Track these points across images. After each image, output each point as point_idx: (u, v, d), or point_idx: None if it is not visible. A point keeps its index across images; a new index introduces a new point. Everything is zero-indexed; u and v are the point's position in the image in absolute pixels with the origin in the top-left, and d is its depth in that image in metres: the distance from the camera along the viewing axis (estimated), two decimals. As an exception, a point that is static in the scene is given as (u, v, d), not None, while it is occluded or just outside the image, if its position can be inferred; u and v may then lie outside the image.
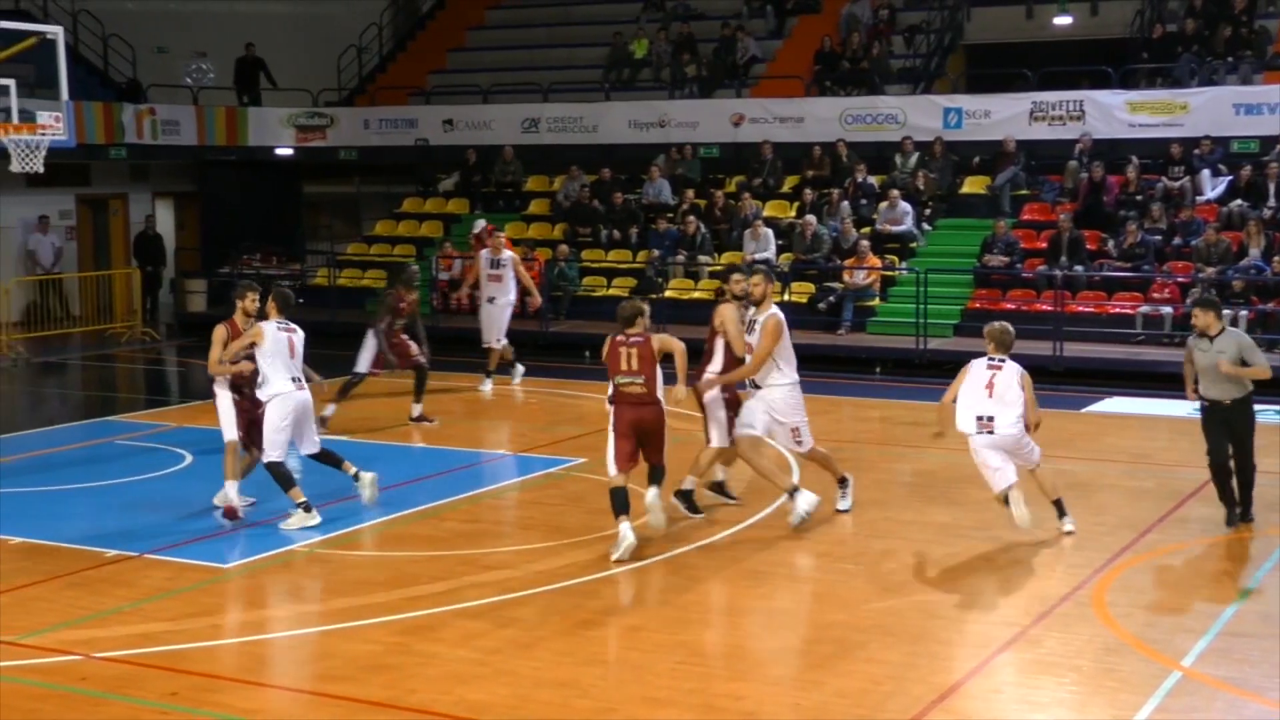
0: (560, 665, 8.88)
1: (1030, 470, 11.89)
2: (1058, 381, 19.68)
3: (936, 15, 27.70)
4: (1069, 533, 11.79)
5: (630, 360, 11.52)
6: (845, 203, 24.26)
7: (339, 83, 31.69)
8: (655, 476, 11.57)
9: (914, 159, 24.83)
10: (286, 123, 29.84)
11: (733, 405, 12.37)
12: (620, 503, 11.22)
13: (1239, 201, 22.42)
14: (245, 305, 12.59)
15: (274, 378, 12.12)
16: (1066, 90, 24.52)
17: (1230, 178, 22.87)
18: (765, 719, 8.14)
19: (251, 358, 12.29)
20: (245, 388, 12.42)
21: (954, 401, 11.84)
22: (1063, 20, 26.66)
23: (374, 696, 8.36)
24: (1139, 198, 22.99)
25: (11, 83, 15.74)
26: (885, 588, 10.49)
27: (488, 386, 19.13)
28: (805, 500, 12.05)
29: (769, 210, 25.32)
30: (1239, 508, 11.88)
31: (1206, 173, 22.99)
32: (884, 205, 24.09)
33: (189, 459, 14.73)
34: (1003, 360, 11.80)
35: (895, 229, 23.73)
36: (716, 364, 12.28)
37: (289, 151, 30.10)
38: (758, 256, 23.82)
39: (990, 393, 11.65)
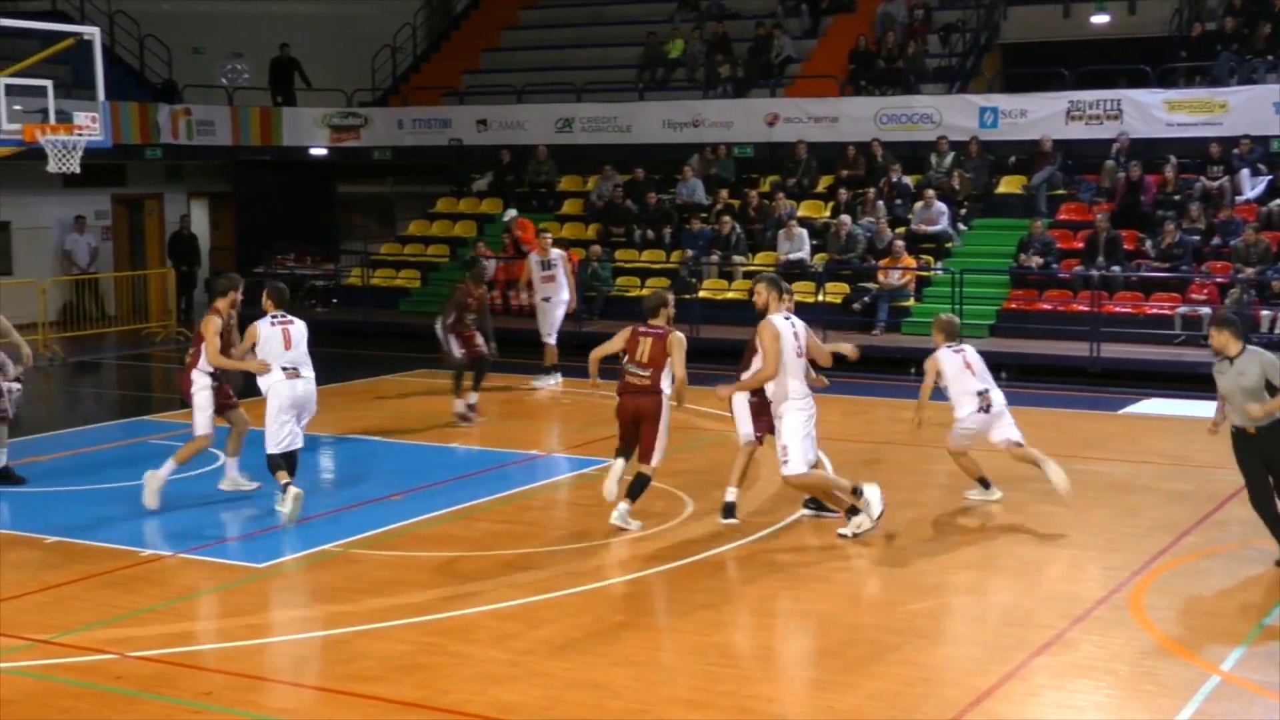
0: (593, 666, 8.88)
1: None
2: (1095, 383, 19.58)
3: (972, 14, 27.60)
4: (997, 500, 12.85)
5: (644, 351, 12.03)
6: (880, 202, 24.20)
7: (373, 83, 31.79)
8: (635, 489, 11.94)
9: (949, 159, 24.74)
10: (321, 123, 29.96)
11: (758, 412, 12.22)
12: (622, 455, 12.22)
13: (1279, 201, 22.26)
14: (236, 295, 13.05)
15: (272, 370, 12.33)
16: (1104, 89, 24.38)
17: (1270, 177, 22.72)
18: (798, 721, 8.12)
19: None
20: (223, 376, 12.78)
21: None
22: (1100, 19, 26.53)
23: (406, 697, 8.38)
24: (1177, 197, 22.84)
25: (49, 84, 15.85)
26: (919, 589, 10.45)
27: (552, 381, 19.28)
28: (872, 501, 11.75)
29: (803, 210, 25.28)
30: None
31: (1246, 172, 22.84)
32: (919, 205, 24.01)
33: (222, 458, 14.78)
34: (961, 346, 12.89)
35: (930, 229, 23.65)
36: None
37: (323, 151, 30.22)
38: (792, 257, 23.81)
39: (973, 371, 12.68)
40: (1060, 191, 24.25)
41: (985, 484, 13.05)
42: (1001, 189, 24.76)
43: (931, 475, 14.46)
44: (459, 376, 16.94)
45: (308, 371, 12.58)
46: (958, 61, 27.20)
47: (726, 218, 24.62)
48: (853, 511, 11.65)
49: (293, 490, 12.13)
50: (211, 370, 12.88)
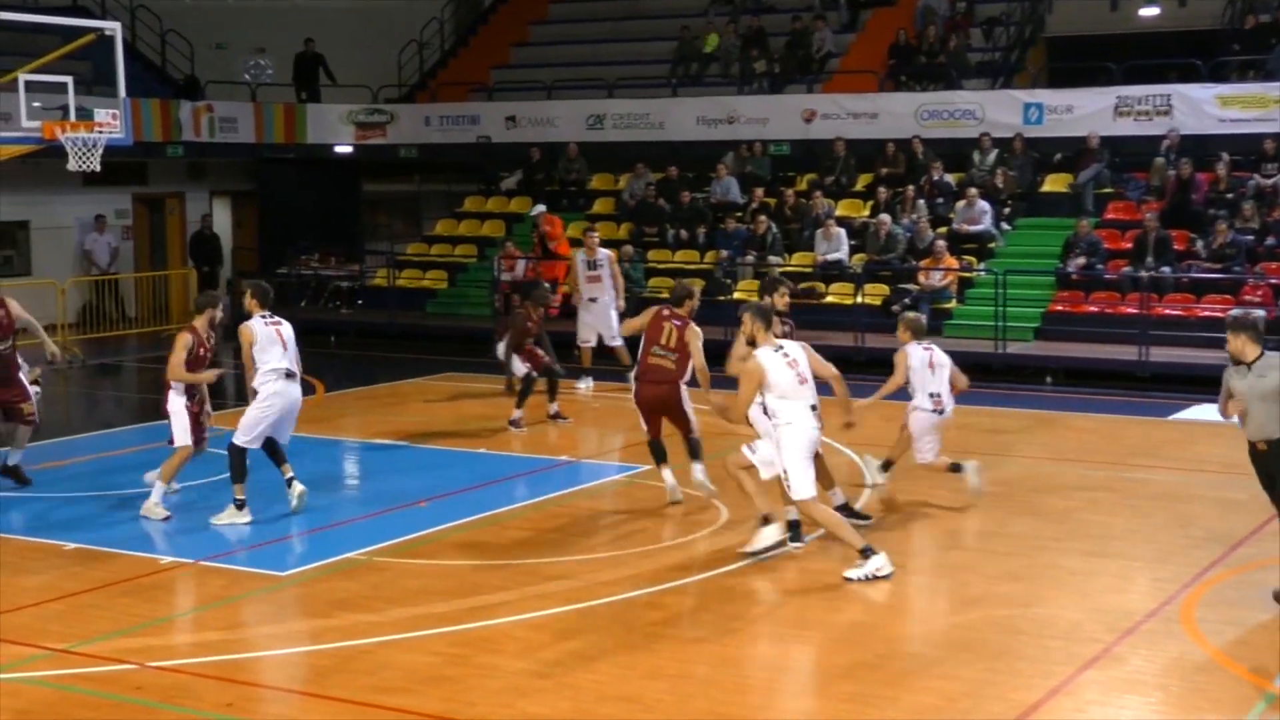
0: (624, 679, 8.86)
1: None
2: (1144, 388, 19.47)
3: (1016, 6, 27.50)
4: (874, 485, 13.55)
5: (670, 336, 12.57)
6: (921, 201, 24.12)
7: (399, 79, 31.88)
8: (693, 451, 12.82)
9: (993, 156, 24.65)
10: (346, 120, 30.05)
11: None
12: (658, 452, 12.95)
13: (1335, 200, 22.09)
14: (215, 313, 13.15)
15: (266, 370, 12.41)
16: (1153, 84, 24.23)
17: (1326, 175, 22.54)
18: (837, 737, 8.09)
19: (217, 364, 12.99)
20: (195, 392, 12.86)
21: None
22: (1149, 11, 26.39)
23: (432, 709, 8.37)
24: (1229, 196, 22.69)
25: (69, 80, 15.93)
26: (962, 601, 10.39)
27: (584, 385, 19.29)
28: (767, 535, 11.41)
29: (841, 209, 25.21)
30: None
31: (1301, 169, 22.68)
32: (961, 204, 23.93)
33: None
34: (929, 346, 13.28)
35: (973, 229, 23.56)
36: None
37: (348, 149, 30.30)
38: (829, 257, 23.77)
39: (933, 372, 13.13)
40: (1107, 190, 24.11)
41: (886, 467, 13.76)
42: (1046, 187, 24.64)
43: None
44: (526, 389, 16.96)
45: (298, 376, 12.70)
46: (1001, 56, 27.08)
47: (762, 217, 24.58)
48: (866, 554, 10.98)
49: (246, 514, 12.41)
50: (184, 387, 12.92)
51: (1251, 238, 21.92)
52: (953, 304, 22.88)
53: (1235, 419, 10.32)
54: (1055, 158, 24.84)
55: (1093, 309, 21.90)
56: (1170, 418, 17.76)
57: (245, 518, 12.39)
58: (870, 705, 8.47)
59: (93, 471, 14.86)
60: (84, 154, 15.70)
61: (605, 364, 20.03)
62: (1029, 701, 8.45)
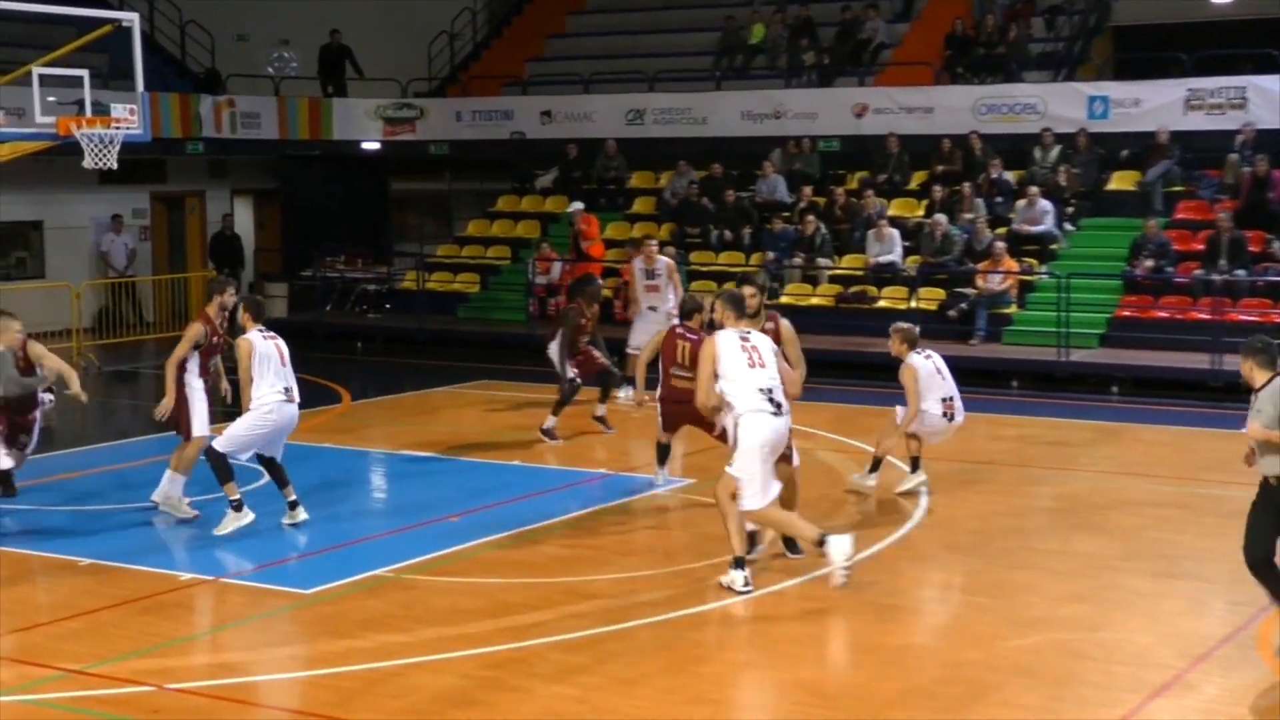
0: (666, 704, 8.85)
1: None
2: (1217, 398, 19.32)
3: (1081, -7, 27.42)
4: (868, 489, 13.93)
5: (684, 354, 13.02)
6: (979, 200, 24.04)
7: (429, 72, 31.99)
8: None
9: (1055, 152, 24.54)
10: (373, 115, 30.17)
11: None
12: (662, 453, 14.09)
13: None
14: (223, 299, 13.23)
15: (264, 386, 12.45)
16: (1227, 76, 24.09)
17: None
18: (891, 767, 8.05)
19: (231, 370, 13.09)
20: (211, 366, 13.21)
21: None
22: (1222, -2, 26.24)
23: (464, 735, 8.39)
24: (1308, 194, 22.54)
25: (84, 73, 16.03)
26: (1024, 624, 10.34)
27: (624, 394, 19.25)
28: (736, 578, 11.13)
29: (894, 209, 25.16)
30: None
31: (1385, 167, 22.51)
32: (1021, 203, 23.84)
33: (266, 476, 14.88)
34: (929, 352, 13.86)
35: (1034, 229, 23.47)
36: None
37: (376, 146, 30.42)
38: (882, 259, 23.72)
39: (941, 377, 13.72)
40: (1178, 188, 23.97)
41: (874, 468, 14.07)
42: (1112, 185, 24.52)
43: (1036, 498, 14.34)
44: (566, 397, 16.95)
45: (297, 395, 12.76)
46: (1064, 46, 26.97)
47: (811, 217, 24.54)
48: (819, 542, 10.98)
49: (302, 513, 12.74)
50: (200, 374, 13.15)
51: (1331, 239, 21.77)
52: (1013, 309, 22.79)
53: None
54: (1122, 154, 24.71)
55: (1162, 314, 21.76)
56: (1245, 430, 17.61)
57: (248, 517, 12.51)
58: (926, 734, 8.44)
59: (109, 484, 14.94)
60: (100, 151, 15.80)
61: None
62: (1095, 731, 8.41)
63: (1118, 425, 18.14)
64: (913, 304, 22.70)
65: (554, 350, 17.15)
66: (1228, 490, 14.05)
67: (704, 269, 25.28)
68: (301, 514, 12.83)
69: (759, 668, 9.53)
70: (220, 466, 12.56)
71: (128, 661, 9.63)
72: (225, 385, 13.61)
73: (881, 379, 20.39)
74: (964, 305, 22.62)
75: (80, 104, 16.04)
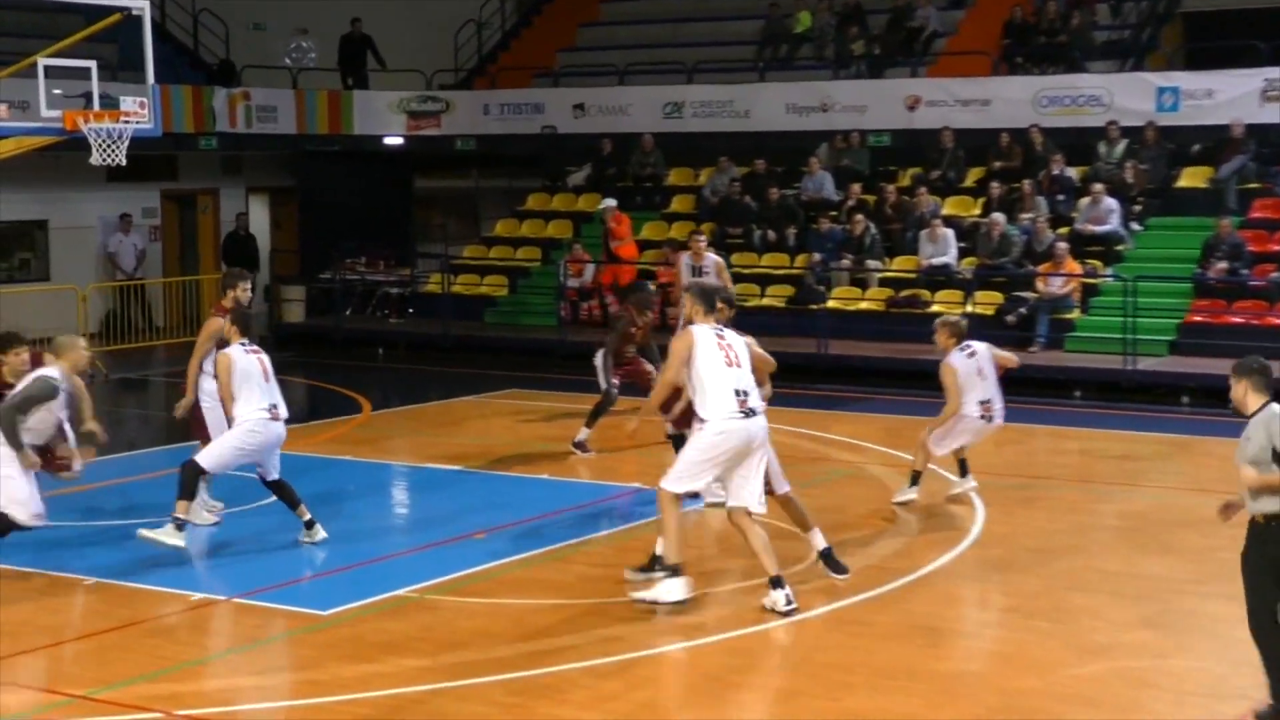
0: (704, 734, 8.83)
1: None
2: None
3: (1148, -22, 27.32)
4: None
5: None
6: (1039, 198, 23.97)
7: (455, 63, 32.07)
8: None
9: (1121, 147, 24.45)
10: (396, 108, 30.26)
11: None
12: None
13: None
14: (237, 293, 13.44)
15: (246, 403, 12.40)
16: (1306, 64, 23.99)
17: None
18: (944, 802, 8.02)
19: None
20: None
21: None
22: (1301, -18, 26.08)
23: (490, 766, 8.39)
24: (1393, 191, 22.41)
25: (92, 65, 16.13)
26: (1086, 650, 10.28)
27: None
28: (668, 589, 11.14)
29: (949, 208, 25.10)
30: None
31: None
32: (1085, 201, 23.75)
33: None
34: (973, 348, 14.03)
35: (1098, 229, 23.38)
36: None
37: (399, 141, 30.51)
38: (935, 261, 23.66)
39: (981, 378, 13.90)
40: (1253, 185, 23.86)
41: (914, 481, 14.22)
42: (1183, 182, 24.41)
43: (1100, 515, 14.28)
44: (600, 407, 16.94)
45: (283, 411, 12.74)
46: (1131, 34, 26.87)
47: (859, 216, 24.51)
48: (673, 573, 11.06)
49: (320, 532, 12.69)
50: (215, 374, 13.13)
51: None
52: (1075, 314, 22.69)
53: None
54: (1193, 149, 24.61)
55: (1236, 320, 21.65)
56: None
57: (180, 541, 12.36)
58: (982, 767, 8.41)
59: (116, 498, 15.00)
60: (108, 146, 15.89)
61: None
62: (1163, 765, 8.36)
63: (1188, 438, 18.03)
64: (968, 309, 22.59)
65: (599, 358, 17.11)
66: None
67: (746, 271, 25.24)
68: (320, 532, 12.84)
69: (802, 696, 9.51)
70: (188, 483, 12.52)
71: (135, 686, 9.66)
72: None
73: (935, 388, 20.35)
74: (1023, 310, 22.54)
75: (87, 97, 16.13)
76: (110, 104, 16.14)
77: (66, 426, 11.77)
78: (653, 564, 11.48)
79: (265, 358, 12.77)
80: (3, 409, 11.28)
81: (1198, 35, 27.18)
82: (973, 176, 25.77)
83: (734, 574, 12.04)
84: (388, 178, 31.87)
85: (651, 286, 18.56)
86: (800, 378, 21.92)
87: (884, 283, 24.43)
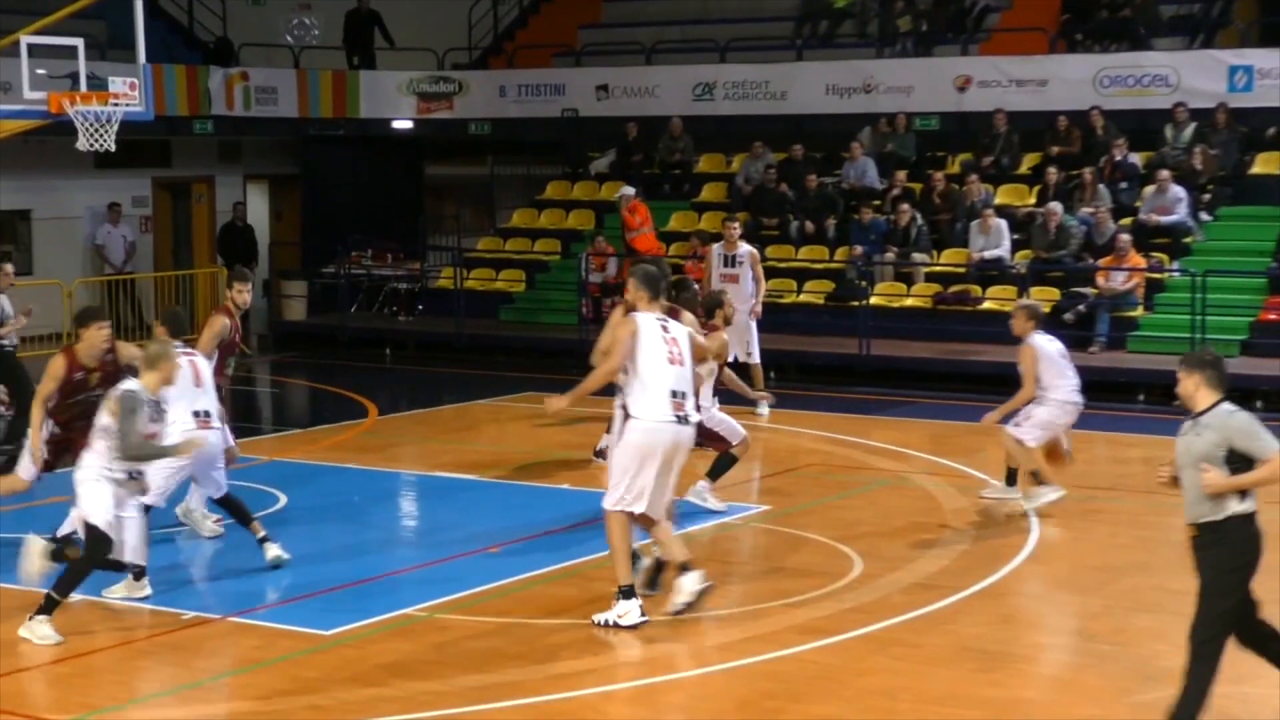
0: (736, 765, 8.83)
1: None
2: (1377, 414, 19.11)
3: (1220, -52, 27.23)
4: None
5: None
6: (1100, 187, 23.91)
7: (469, 41, 32.09)
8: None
9: (1189, 131, 24.38)
10: (406, 90, 30.31)
11: None
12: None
13: None
14: (233, 295, 13.59)
15: (172, 411, 12.13)
16: (1391, 41, 23.92)
17: None
18: (996, 840, 8.00)
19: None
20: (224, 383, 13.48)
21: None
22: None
23: (504, 798, 8.40)
24: None
25: (79, 43, 16.18)
26: (1150, 676, 10.25)
27: (764, 410, 19.02)
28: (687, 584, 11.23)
29: (1002, 197, 25.05)
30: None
31: None
32: (1150, 190, 23.69)
33: (283, 500, 14.98)
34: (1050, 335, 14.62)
35: (1164, 220, 23.32)
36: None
37: (408, 125, 30.57)
38: (987, 255, 23.62)
39: (1065, 359, 14.45)
40: (1332, 172, 23.81)
41: (1012, 480, 14.56)
42: (1256, 169, 24.35)
43: (1165, 530, 14.19)
44: None
45: (218, 421, 12.65)
46: (1201, 9, 26.79)
47: (905, 206, 24.47)
48: (626, 595, 11.11)
49: (274, 549, 12.50)
50: (216, 376, 13.25)
51: None
52: (1139, 312, 22.64)
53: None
54: (1268, 133, 24.57)
55: (1313, 318, 21.60)
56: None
57: (145, 590, 11.89)
58: (1037, 801, 8.38)
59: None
60: (96, 131, 15.94)
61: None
62: (1234, 800, 8.33)
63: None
64: (1023, 306, 22.54)
65: None
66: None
67: (782, 265, 25.23)
68: (273, 551, 12.56)
69: (843, 724, 9.50)
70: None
71: (124, 711, 9.69)
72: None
73: (986, 391, 20.33)
74: (1082, 308, 22.49)
75: (74, 77, 16.19)
76: (98, 85, 16.20)
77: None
78: (655, 575, 11.54)
79: (201, 361, 12.66)
80: (125, 450, 10.85)
81: (1273, 9, 27.09)
82: (1028, 163, 25.73)
83: (767, 592, 12.03)
84: (396, 165, 31.93)
85: (695, 284, 18.53)
86: (840, 380, 21.97)
87: (931, 278, 24.39)
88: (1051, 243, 23.27)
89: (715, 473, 14.49)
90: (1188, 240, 23.35)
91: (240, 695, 10.10)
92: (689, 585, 11.12)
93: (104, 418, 10.99)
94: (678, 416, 10.98)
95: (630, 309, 11.45)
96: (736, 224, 20.69)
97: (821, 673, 10.44)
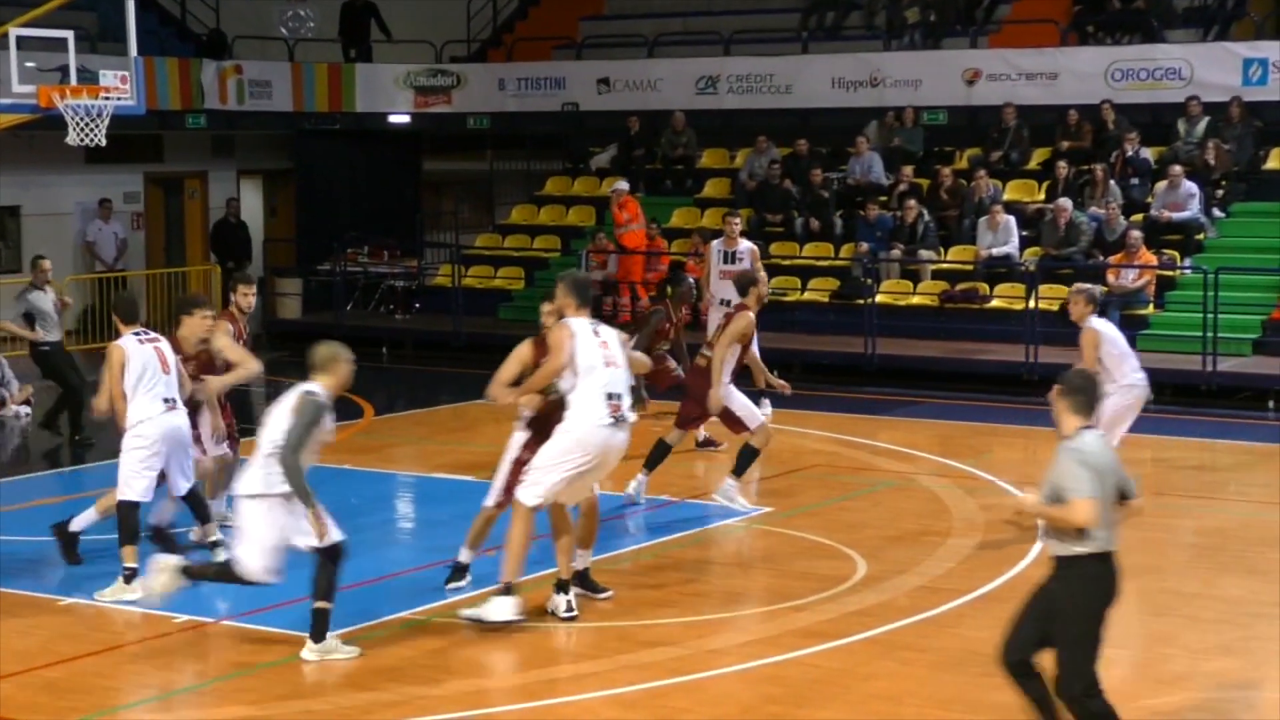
0: (738, 770, 8.86)
1: None
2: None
3: (1234, -63, 27.24)
4: None
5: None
6: (1111, 183, 23.92)
7: (468, 33, 32.10)
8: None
9: (1202, 125, 24.40)
10: (403, 83, 30.31)
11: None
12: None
13: None
14: (237, 299, 13.49)
15: (138, 399, 12.19)
16: None
17: None
18: (1001, 846, 8.04)
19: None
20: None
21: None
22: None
23: (503, 804, 8.43)
24: None
25: (69, 35, 16.21)
26: (1161, 680, 10.29)
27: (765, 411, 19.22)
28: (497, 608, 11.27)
29: (1011, 192, 25.07)
30: None
31: None
32: (1162, 185, 23.70)
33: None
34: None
35: (1176, 216, 23.33)
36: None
37: (405, 119, 30.57)
38: (995, 251, 23.63)
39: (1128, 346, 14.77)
40: (1348, 167, 23.83)
41: None
42: (1271, 164, 24.37)
43: (1176, 532, 14.25)
44: None
45: (182, 406, 12.51)
46: (1215, 0, 26.78)
47: (912, 202, 24.48)
48: (505, 592, 11.17)
49: (164, 565, 11.34)
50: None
51: None
52: (1150, 310, 22.66)
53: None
54: (1283, 128, 24.57)
55: (1328, 317, 21.62)
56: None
57: (136, 593, 11.82)
58: (1043, 808, 8.41)
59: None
60: (87, 125, 15.97)
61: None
62: (1243, 806, 8.36)
63: (1273, 447, 17.98)
64: (1031, 304, 22.58)
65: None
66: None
67: (786, 263, 25.25)
68: (222, 556, 12.30)
69: (847, 729, 9.53)
70: (126, 526, 12.15)
71: (114, 716, 9.72)
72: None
73: (994, 391, 20.38)
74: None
75: (64, 71, 16.22)
76: (89, 78, 16.21)
77: None
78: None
79: (165, 346, 12.50)
80: (284, 452, 10.27)
81: (1289, 1, 27.11)
82: (1037, 158, 25.73)
83: (770, 595, 12.06)
84: (393, 159, 31.92)
85: (690, 280, 18.60)
86: (846, 379, 21.98)
87: (938, 275, 24.41)
88: (1061, 240, 23.30)
89: (739, 469, 14.62)
90: (1200, 237, 23.35)
91: (233, 700, 10.11)
92: (504, 610, 11.09)
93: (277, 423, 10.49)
94: (614, 419, 11.10)
95: (559, 315, 11.53)
96: (738, 219, 20.69)
97: (825, 677, 10.47)
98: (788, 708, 9.88)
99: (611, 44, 30.23)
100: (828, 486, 16.15)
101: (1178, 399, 20.63)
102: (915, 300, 24.15)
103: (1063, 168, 24.31)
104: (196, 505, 12.76)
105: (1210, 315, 20.99)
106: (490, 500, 11.94)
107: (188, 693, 10.27)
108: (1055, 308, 22.68)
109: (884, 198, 25.30)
